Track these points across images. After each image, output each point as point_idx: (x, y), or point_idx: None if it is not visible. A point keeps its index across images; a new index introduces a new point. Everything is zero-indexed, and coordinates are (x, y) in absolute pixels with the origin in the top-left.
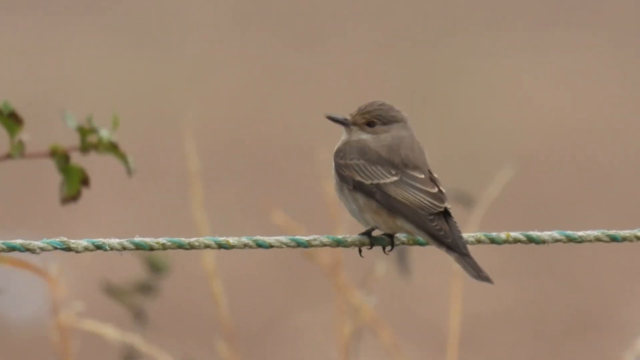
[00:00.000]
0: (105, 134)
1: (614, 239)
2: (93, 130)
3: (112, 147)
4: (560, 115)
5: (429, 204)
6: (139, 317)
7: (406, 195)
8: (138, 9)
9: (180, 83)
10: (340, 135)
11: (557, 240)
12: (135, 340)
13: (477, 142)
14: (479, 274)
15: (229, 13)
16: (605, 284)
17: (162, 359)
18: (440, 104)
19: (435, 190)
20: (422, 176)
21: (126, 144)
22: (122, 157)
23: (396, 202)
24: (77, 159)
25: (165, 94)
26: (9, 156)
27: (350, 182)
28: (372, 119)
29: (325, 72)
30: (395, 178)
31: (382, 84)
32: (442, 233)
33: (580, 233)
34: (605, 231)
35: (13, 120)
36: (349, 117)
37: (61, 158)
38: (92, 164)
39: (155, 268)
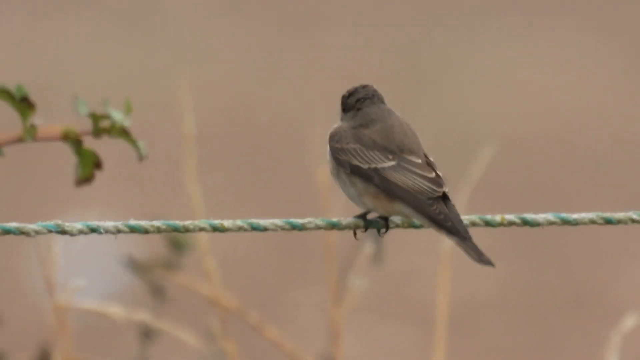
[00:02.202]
0: (118, 118)
1: (608, 221)
2: (104, 116)
3: (124, 132)
4: (552, 100)
5: (427, 188)
6: (158, 294)
7: (404, 179)
8: None
9: (172, 69)
10: (333, 121)
11: (551, 223)
12: (148, 318)
13: (469, 128)
14: (480, 258)
15: (219, 0)
16: (597, 266)
17: (179, 334)
18: (433, 89)
19: (433, 175)
20: (419, 161)
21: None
22: (134, 142)
23: (395, 186)
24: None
25: (157, 81)
26: (20, 140)
27: (348, 166)
28: (343, 106)
29: (317, 58)
30: (392, 163)
31: (374, 70)
32: (441, 217)
33: (575, 216)
34: (600, 214)
35: (25, 104)
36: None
37: (74, 142)
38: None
39: (178, 245)
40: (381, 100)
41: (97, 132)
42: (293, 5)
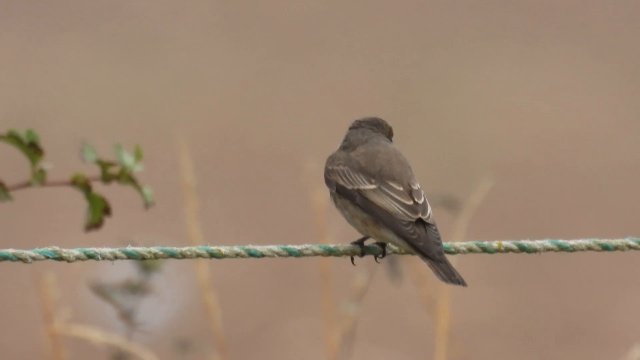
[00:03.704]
0: (130, 163)
1: (605, 247)
2: (112, 164)
3: (131, 180)
4: (549, 125)
5: (402, 212)
6: (126, 318)
7: (383, 201)
8: (126, 20)
9: (169, 94)
10: (329, 145)
11: (548, 249)
12: (123, 343)
13: (465, 152)
14: (450, 278)
15: (217, 24)
16: (594, 292)
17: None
18: (429, 114)
19: (411, 202)
20: (400, 188)
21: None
22: (141, 189)
23: (374, 206)
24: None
25: (154, 105)
26: (28, 185)
27: (334, 186)
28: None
29: (314, 82)
30: (374, 186)
31: (370, 94)
32: (415, 237)
33: (572, 242)
34: (597, 240)
35: (34, 149)
36: None
37: (83, 187)
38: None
39: (147, 269)
40: (374, 127)
41: (106, 178)
42: (290, 30)
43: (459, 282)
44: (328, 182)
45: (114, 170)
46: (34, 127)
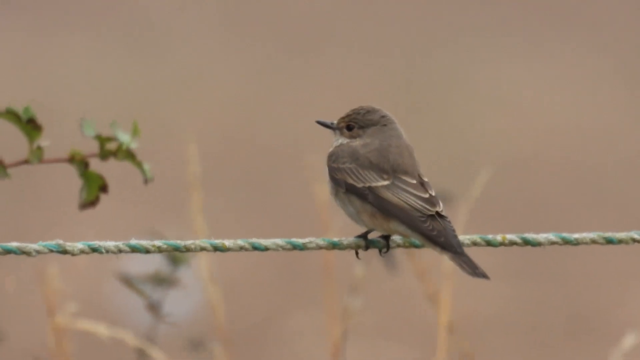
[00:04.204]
0: (126, 140)
1: (610, 241)
2: (111, 139)
3: (130, 155)
4: (554, 120)
5: (420, 206)
6: (153, 310)
7: (398, 198)
8: (132, 16)
9: (174, 89)
10: (331, 140)
11: (553, 243)
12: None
13: (470, 147)
14: (474, 271)
15: (221, 20)
16: (600, 285)
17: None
18: (434, 109)
19: (427, 195)
20: (414, 181)
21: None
22: (140, 165)
23: (389, 204)
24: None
25: (159, 101)
26: (26, 162)
27: (343, 185)
28: (350, 122)
29: (319, 78)
30: (387, 182)
31: (375, 89)
32: (434, 233)
33: (576, 235)
34: (602, 233)
35: (32, 126)
36: (335, 122)
37: (80, 164)
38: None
39: (174, 261)
40: (384, 121)
41: (104, 155)
42: (294, 27)
43: (483, 275)
44: (335, 180)
45: (111, 146)
46: (41, 121)
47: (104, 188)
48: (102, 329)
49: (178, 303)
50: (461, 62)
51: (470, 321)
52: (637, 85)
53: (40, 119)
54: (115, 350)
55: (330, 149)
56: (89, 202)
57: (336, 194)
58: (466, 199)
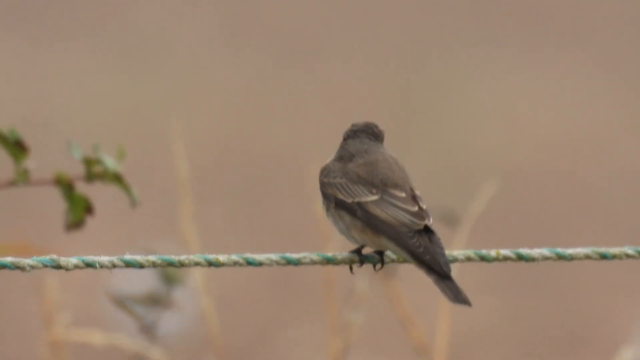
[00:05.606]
0: (110, 164)
1: (604, 256)
2: (97, 161)
3: (117, 178)
4: (550, 133)
5: (408, 221)
6: (146, 330)
7: (386, 213)
8: (127, 28)
9: (169, 101)
10: (329, 153)
11: (547, 258)
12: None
13: (465, 159)
14: (456, 297)
15: (217, 31)
16: (592, 300)
17: None
18: (429, 121)
19: (416, 208)
20: (403, 195)
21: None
22: (127, 188)
23: (377, 219)
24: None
25: (154, 112)
26: (12, 183)
27: (332, 199)
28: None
29: (314, 91)
30: (375, 197)
31: (371, 101)
32: (420, 250)
33: (570, 251)
34: (595, 249)
35: (18, 147)
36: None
37: (66, 187)
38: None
39: (169, 280)
40: (371, 136)
41: (90, 177)
42: (290, 37)
43: (464, 301)
44: (325, 195)
45: (99, 168)
46: (33, 135)
47: (89, 209)
48: (97, 338)
49: (172, 318)
50: (456, 75)
51: (465, 336)
52: (632, 98)
53: (34, 133)
54: None
55: (325, 163)
56: (74, 224)
57: (327, 209)
58: (467, 217)
